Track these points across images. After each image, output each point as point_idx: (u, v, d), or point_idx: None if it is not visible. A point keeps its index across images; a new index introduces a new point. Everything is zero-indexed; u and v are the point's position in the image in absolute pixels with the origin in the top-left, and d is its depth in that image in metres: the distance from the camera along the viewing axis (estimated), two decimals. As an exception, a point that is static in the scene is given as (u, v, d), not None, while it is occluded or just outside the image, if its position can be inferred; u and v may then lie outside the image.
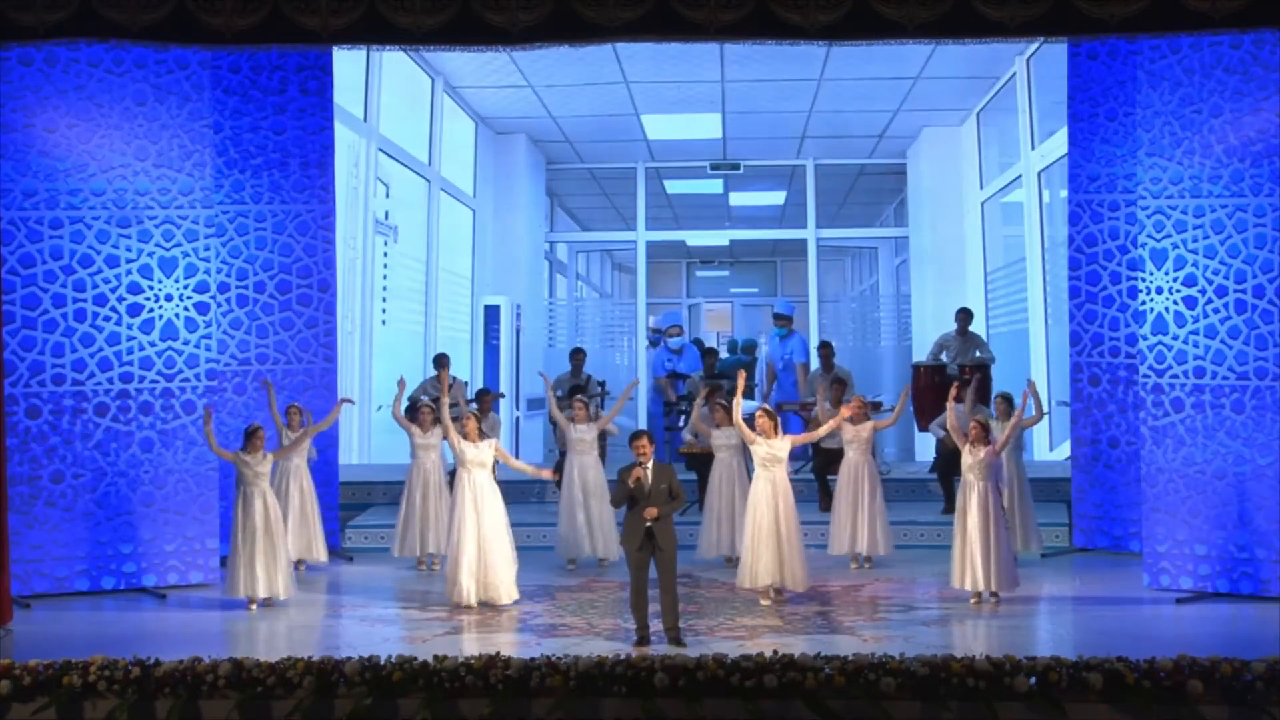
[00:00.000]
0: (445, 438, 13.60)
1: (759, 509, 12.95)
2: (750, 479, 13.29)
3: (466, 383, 17.32)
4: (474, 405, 16.24)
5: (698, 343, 23.36)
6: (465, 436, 13.25)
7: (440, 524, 14.52)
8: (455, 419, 16.31)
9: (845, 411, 13.70)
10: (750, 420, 13.17)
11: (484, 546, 13.06)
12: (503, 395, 17.35)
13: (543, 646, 11.64)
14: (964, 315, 17.22)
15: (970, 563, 12.91)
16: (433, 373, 17.10)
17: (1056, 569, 14.49)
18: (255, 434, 13.18)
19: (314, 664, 10.69)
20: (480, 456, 13.17)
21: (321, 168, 15.12)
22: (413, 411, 16.78)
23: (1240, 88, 12.84)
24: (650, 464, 11.89)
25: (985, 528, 12.89)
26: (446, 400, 13.59)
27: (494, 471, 13.28)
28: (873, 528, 14.41)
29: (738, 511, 13.88)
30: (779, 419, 13.21)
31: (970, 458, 13.05)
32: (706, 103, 22.68)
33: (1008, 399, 14.45)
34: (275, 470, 14.26)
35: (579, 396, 14.93)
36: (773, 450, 12.98)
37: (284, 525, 13.33)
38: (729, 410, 14.61)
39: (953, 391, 13.63)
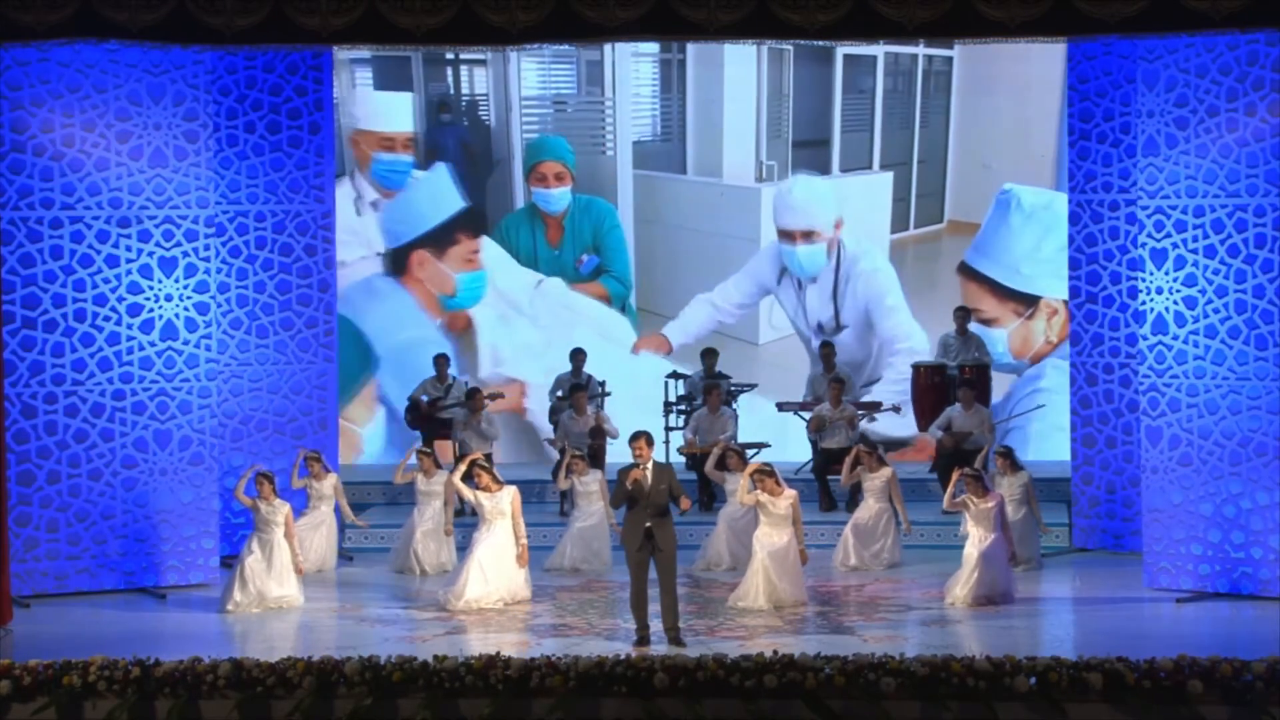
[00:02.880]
0: (461, 497, 13.56)
1: (758, 556, 13.03)
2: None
3: (466, 382, 17.27)
4: (462, 409, 16.21)
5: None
6: (480, 488, 13.19)
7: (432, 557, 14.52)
8: (451, 419, 16.34)
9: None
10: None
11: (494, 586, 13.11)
12: (502, 395, 17.27)
13: (543, 646, 11.65)
14: (962, 315, 17.16)
15: (964, 581, 13.06)
16: (432, 372, 17.07)
17: (1056, 569, 14.48)
18: (259, 480, 13.32)
19: (314, 664, 10.70)
20: (500, 505, 13.13)
21: (319, 167, 15.11)
22: (414, 410, 16.79)
23: (1235, 88, 12.84)
24: (649, 465, 11.89)
25: (986, 562, 13.05)
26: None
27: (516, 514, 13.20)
28: (878, 562, 14.50)
29: (744, 546, 13.79)
30: (778, 474, 13.26)
31: (975, 508, 13.14)
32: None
33: (1006, 454, 14.42)
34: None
35: (576, 454, 14.84)
36: (776, 510, 13.02)
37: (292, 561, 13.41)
38: (742, 455, 14.59)
39: (955, 475, 13.59)
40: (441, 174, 18.59)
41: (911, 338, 18.29)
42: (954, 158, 18.87)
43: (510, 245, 18.77)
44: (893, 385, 17.99)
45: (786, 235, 18.52)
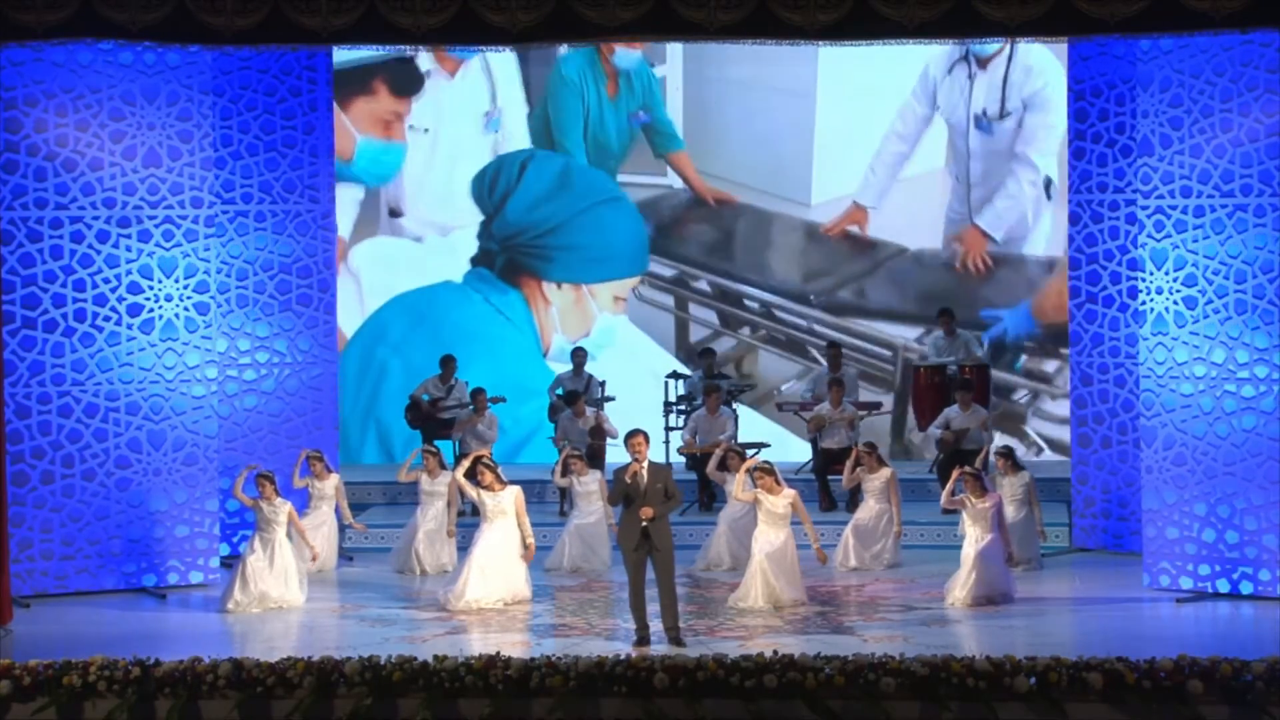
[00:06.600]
0: (464, 495, 13.59)
1: (756, 557, 13.01)
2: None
3: (468, 383, 17.24)
4: (471, 407, 16.21)
5: None
6: (483, 487, 13.19)
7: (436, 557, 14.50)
8: (453, 420, 16.34)
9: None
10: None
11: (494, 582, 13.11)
12: (503, 399, 17.23)
13: (543, 646, 11.66)
14: (946, 317, 17.03)
15: (963, 581, 13.07)
16: (436, 371, 17.06)
17: (1056, 569, 14.48)
18: (260, 480, 13.31)
19: (314, 664, 10.72)
20: (502, 505, 13.14)
21: (315, 169, 15.11)
22: (414, 409, 16.79)
23: (1229, 89, 12.86)
24: (646, 463, 11.89)
25: (984, 562, 13.07)
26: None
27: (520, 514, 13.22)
28: (878, 563, 14.50)
29: (744, 547, 13.79)
30: (777, 472, 13.26)
31: (973, 507, 13.16)
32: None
33: (1007, 455, 14.41)
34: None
35: (574, 453, 14.82)
36: (774, 508, 13.01)
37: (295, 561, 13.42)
38: (743, 456, 14.58)
39: (954, 474, 13.62)
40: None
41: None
42: None
43: (572, 86, 17.97)
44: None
45: None
